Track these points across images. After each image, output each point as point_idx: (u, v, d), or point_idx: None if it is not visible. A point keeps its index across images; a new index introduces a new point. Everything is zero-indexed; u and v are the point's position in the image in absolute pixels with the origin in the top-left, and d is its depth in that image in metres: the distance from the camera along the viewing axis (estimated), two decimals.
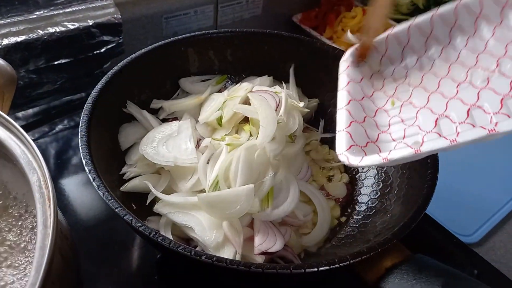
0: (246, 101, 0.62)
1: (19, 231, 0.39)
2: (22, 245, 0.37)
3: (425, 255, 0.42)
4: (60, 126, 0.78)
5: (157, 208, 0.52)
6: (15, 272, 0.35)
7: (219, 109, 0.60)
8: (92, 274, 0.54)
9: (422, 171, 0.51)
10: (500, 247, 0.65)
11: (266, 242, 0.48)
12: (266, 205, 0.51)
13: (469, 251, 0.62)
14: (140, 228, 0.38)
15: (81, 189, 0.67)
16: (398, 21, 1.15)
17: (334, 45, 0.96)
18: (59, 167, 0.70)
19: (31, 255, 0.36)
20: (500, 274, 0.59)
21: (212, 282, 0.53)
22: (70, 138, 0.76)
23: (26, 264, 0.35)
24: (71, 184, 0.67)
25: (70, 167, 0.71)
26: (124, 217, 0.39)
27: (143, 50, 0.61)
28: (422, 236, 0.62)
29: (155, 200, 0.54)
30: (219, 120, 0.59)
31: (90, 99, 0.51)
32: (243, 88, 0.62)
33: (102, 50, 0.78)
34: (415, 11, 1.14)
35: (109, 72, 0.56)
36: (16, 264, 0.35)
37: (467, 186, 0.74)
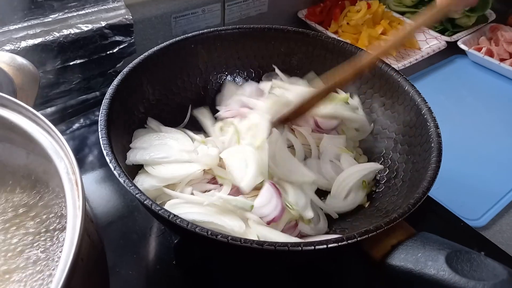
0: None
1: (44, 215, 0.41)
2: (51, 227, 0.40)
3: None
4: (76, 125, 0.81)
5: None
6: (44, 254, 0.38)
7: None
8: (113, 261, 0.57)
9: (426, 155, 0.52)
10: (507, 229, 0.66)
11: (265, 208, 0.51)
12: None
13: (476, 234, 0.63)
14: (159, 212, 0.41)
15: (98, 186, 0.69)
16: (403, 13, 1.16)
17: (339, 38, 0.98)
18: None
19: (59, 236, 0.39)
20: (508, 256, 0.60)
21: (227, 265, 0.55)
22: (85, 136, 0.79)
23: (55, 245, 0.38)
24: (88, 181, 0.69)
25: (86, 164, 0.73)
26: (145, 202, 0.42)
27: (155, 48, 0.63)
28: (429, 221, 0.64)
29: None
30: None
31: (107, 95, 0.54)
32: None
33: (115, 50, 0.81)
34: (419, 4, 1.15)
35: (124, 70, 0.59)
36: (47, 245, 0.38)
37: (474, 171, 0.75)
